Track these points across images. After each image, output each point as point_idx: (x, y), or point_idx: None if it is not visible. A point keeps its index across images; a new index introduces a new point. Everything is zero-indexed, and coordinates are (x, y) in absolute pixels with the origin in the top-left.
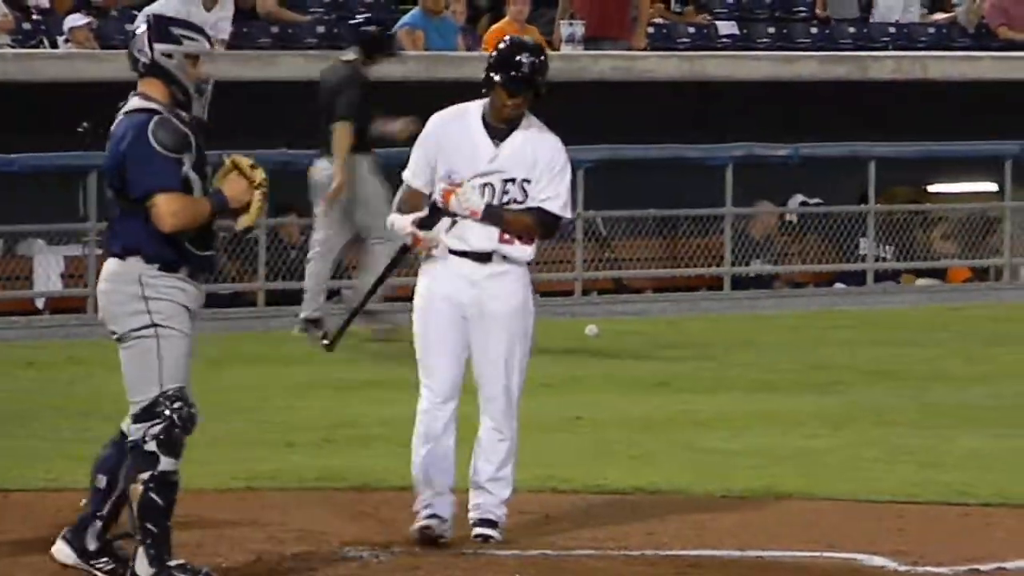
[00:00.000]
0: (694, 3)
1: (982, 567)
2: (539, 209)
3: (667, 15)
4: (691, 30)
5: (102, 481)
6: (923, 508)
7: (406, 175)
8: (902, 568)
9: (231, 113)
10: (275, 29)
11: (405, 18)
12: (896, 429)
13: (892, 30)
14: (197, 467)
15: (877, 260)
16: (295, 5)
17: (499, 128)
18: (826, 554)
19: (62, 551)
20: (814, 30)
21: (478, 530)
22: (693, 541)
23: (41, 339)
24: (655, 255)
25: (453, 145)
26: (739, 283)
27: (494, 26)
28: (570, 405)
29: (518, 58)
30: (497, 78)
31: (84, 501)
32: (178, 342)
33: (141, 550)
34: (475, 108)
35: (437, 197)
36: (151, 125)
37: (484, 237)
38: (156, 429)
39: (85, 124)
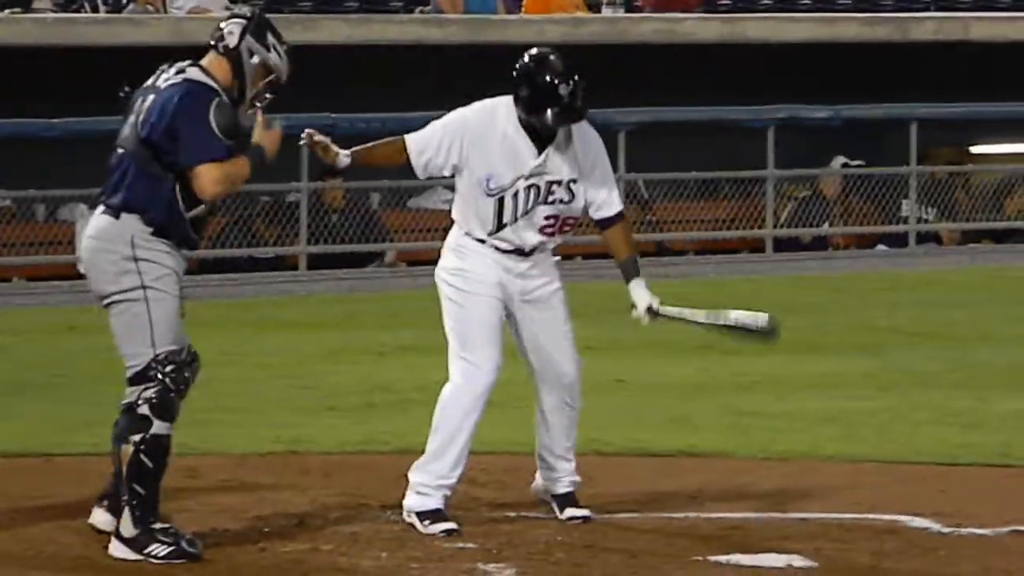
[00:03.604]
0: None
1: None
2: (613, 224)
3: None
4: None
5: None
6: (965, 470)
7: (412, 141)
8: (945, 530)
9: None
10: None
11: None
12: (938, 391)
13: None
14: (240, 430)
15: (919, 222)
16: None
17: (536, 131)
18: (869, 516)
19: (118, 553)
20: None
21: (570, 512)
22: (735, 503)
23: (83, 304)
24: (697, 217)
25: (490, 149)
26: (791, 245)
27: None
28: (612, 368)
29: (561, 89)
30: (547, 115)
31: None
32: (168, 304)
33: (127, 511)
34: (505, 109)
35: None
36: (215, 102)
37: (533, 236)
38: (149, 392)
39: (126, 88)
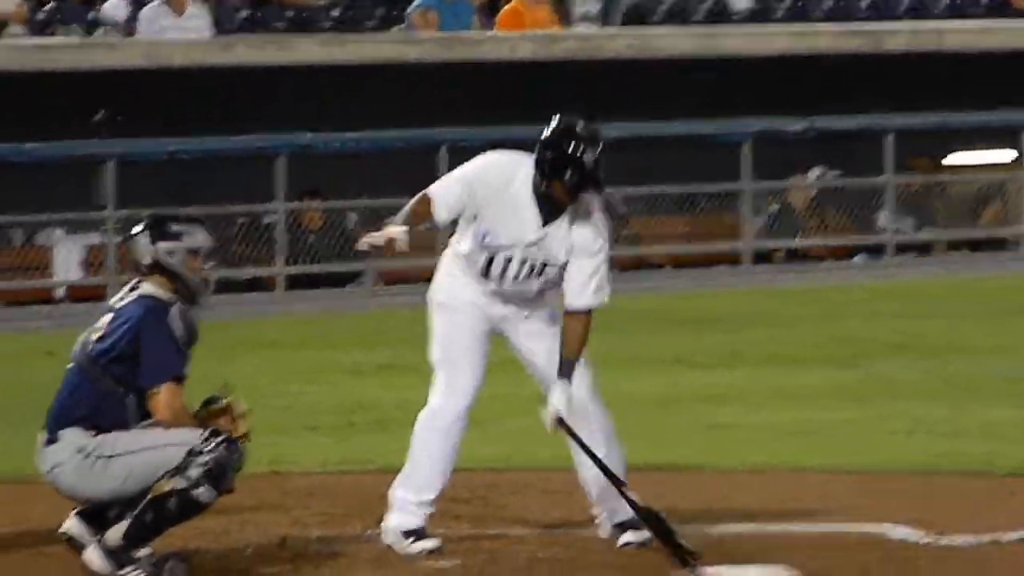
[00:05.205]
0: None
1: (1004, 537)
2: (575, 315)
3: None
4: (706, 5)
5: None
6: (945, 479)
7: (436, 198)
8: (926, 540)
9: (248, 98)
10: (290, 13)
11: None
12: (917, 401)
13: (906, 3)
14: None
15: (896, 232)
16: None
17: (546, 203)
18: (849, 527)
19: (94, 560)
20: (829, 3)
21: (625, 538)
22: (713, 517)
23: (61, 328)
24: (673, 231)
25: (499, 209)
26: (765, 259)
27: (507, 6)
28: None
29: (586, 156)
30: (567, 180)
31: None
32: (143, 435)
33: (125, 523)
34: (525, 173)
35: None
36: (172, 313)
37: (517, 294)
38: (204, 458)
39: (101, 112)
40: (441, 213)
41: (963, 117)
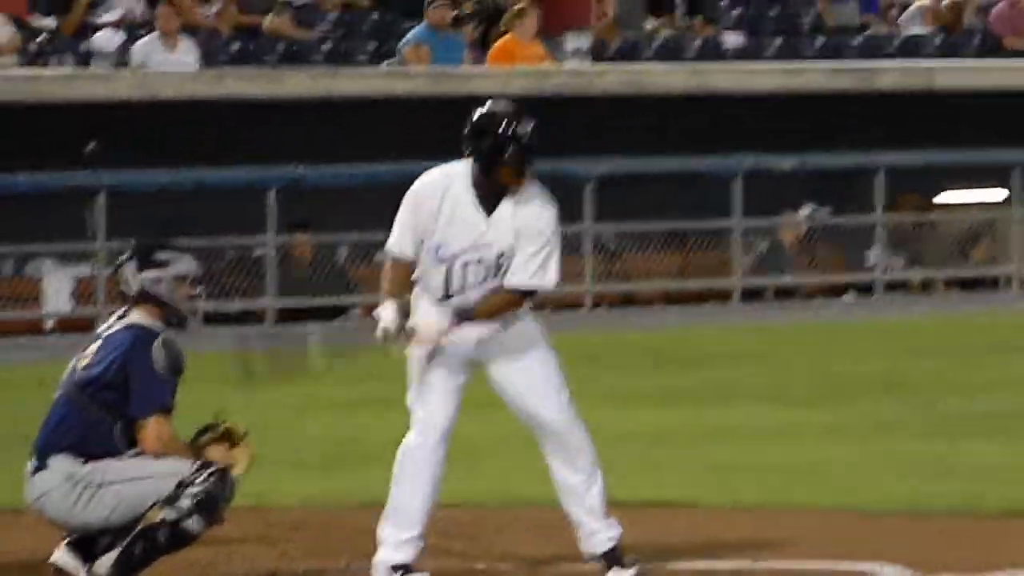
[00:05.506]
0: (701, 14)
1: None
2: (505, 290)
3: (674, 27)
4: (698, 43)
5: None
6: (935, 518)
7: (392, 246)
8: None
9: (239, 131)
10: (281, 46)
11: (411, 34)
12: (907, 439)
13: (897, 42)
14: None
15: (886, 270)
16: (301, 22)
17: (488, 196)
18: (839, 565)
19: None
20: (820, 41)
21: (613, 574)
22: (704, 553)
23: (51, 360)
24: (664, 268)
25: (444, 218)
26: (755, 296)
27: (498, 43)
28: None
29: (519, 129)
30: (507, 156)
31: None
32: (129, 464)
33: (114, 553)
34: (460, 174)
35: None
36: (157, 344)
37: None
38: (195, 489)
39: (92, 144)
40: (407, 252)
41: (953, 155)
